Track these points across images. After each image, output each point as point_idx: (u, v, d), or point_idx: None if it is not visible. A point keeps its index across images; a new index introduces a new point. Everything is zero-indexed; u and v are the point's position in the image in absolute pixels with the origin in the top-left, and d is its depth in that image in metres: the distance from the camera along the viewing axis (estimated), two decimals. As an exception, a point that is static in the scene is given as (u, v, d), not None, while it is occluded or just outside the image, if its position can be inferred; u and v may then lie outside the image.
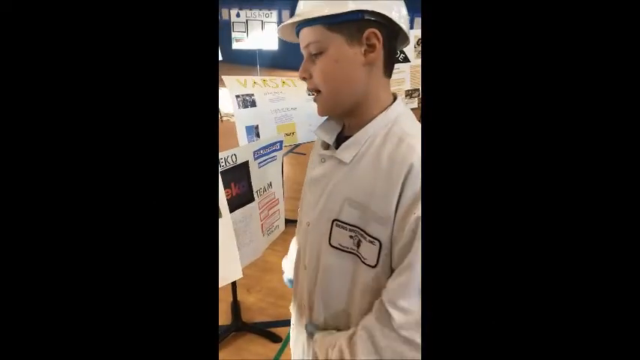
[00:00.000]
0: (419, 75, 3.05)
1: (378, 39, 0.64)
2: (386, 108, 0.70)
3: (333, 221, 0.71)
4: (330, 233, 0.72)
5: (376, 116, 0.69)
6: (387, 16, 0.64)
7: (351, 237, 0.69)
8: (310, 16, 0.64)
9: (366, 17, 0.63)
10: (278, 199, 1.58)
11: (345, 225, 0.69)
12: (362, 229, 0.67)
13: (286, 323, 0.98)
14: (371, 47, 0.65)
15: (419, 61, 3.01)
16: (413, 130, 0.68)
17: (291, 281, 1.09)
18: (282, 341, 1.89)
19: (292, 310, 0.96)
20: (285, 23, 0.69)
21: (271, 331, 1.92)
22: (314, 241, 0.76)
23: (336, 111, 0.73)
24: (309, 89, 0.72)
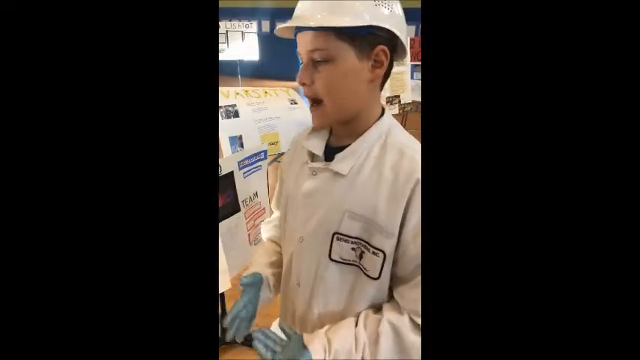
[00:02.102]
0: (398, 82, 3.11)
1: (386, 56, 0.64)
2: (378, 118, 0.71)
3: (334, 234, 0.69)
4: (331, 247, 0.70)
5: (370, 127, 0.70)
6: (394, 33, 0.63)
7: (353, 249, 0.68)
8: (327, 25, 0.60)
9: (377, 33, 0.62)
10: (264, 208, 1.58)
11: (346, 237, 0.68)
12: (365, 241, 0.67)
13: (276, 333, 0.96)
14: (378, 63, 0.65)
15: (399, 68, 3.07)
16: (409, 141, 0.69)
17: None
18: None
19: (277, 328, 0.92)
20: (287, 25, 0.65)
21: (261, 342, 1.90)
22: (310, 256, 0.73)
23: (334, 123, 0.71)
24: (307, 96, 0.68)
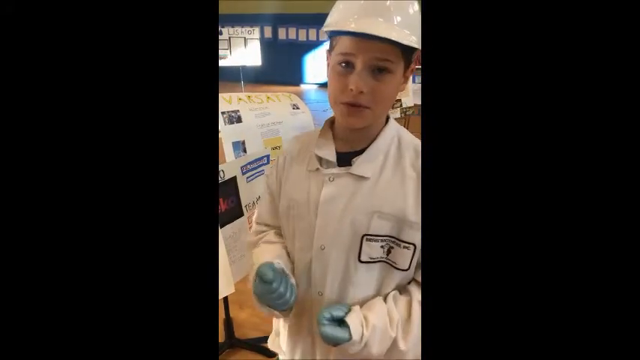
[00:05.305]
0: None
1: (412, 72, 0.69)
2: (386, 123, 0.75)
3: (363, 237, 0.70)
4: (360, 249, 0.71)
5: (381, 131, 0.73)
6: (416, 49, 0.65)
7: (382, 247, 0.71)
8: (408, 44, 0.60)
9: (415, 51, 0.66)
10: (267, 212, 1.58)
11: (376, 237, 0.70)
12: (395, 237, 0.70)
13: (280, 336, 0.96)
14: (405, 78, 0.69)
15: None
16: (419, 141, 0.73)
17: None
18: (277, 356, 1.87)
19: (282, 343, 0.91)
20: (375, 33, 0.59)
21: (265, 347, 1.90)
22: (336, 262, 0.72)
23: (363, 126, 0.70)
24: (355, 102, 0.65)
